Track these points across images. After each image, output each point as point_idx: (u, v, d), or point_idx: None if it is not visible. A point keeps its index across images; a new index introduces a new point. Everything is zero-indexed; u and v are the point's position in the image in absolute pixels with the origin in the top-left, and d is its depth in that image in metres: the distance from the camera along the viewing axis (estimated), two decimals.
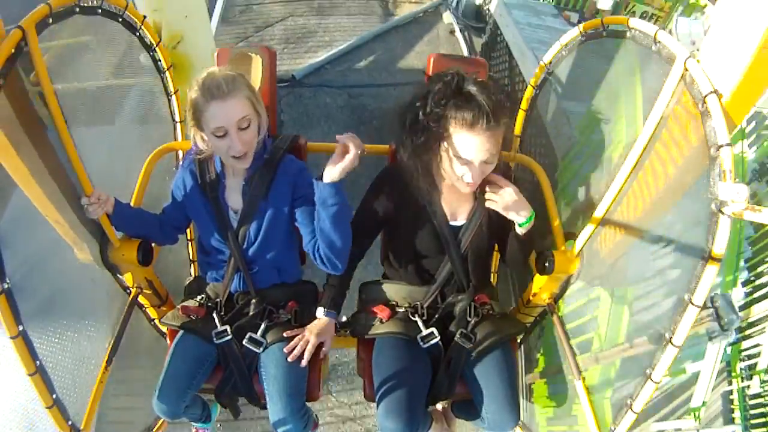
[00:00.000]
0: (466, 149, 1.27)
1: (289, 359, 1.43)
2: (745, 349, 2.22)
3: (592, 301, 1.66)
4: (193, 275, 2.01)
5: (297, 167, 1.51)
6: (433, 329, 1.51)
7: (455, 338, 1.49)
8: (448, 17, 5.16)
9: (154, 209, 1.61)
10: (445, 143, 1.30)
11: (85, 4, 1.30)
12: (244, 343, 1.51)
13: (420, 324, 1.53)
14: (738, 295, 2.23)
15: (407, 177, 1.42)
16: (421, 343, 1.50)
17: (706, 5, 3.63)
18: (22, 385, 1.34)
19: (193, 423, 1.81)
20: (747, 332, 2.23)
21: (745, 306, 2.21)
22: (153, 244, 1.60)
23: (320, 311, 1.53)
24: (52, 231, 1.34)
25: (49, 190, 1.24)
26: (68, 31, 1.31)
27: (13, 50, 1.05)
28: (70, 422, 1.30)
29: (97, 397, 1.43)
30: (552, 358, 1.79)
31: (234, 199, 1.52)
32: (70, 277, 1.55)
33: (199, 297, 1.64)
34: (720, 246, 1.00)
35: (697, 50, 1.18)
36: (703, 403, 2.04)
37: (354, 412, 2.48)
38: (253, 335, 1.51)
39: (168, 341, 1.67)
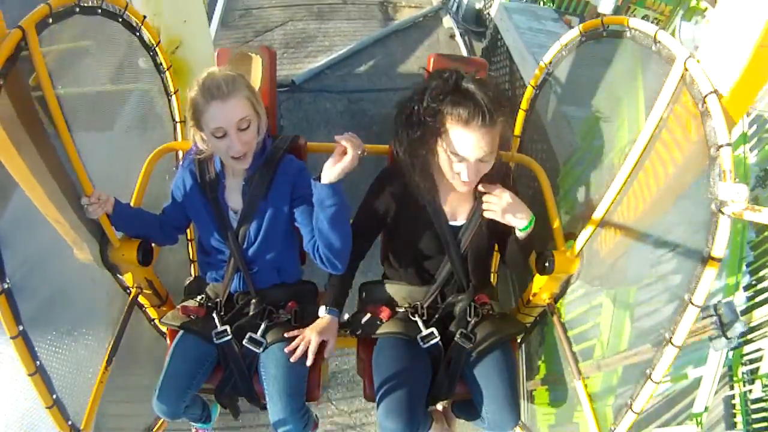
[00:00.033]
0: (461, 146, 1.27)
1: (292, 359, 1.42)
2: (747, 354, 2.20)
3: (594, 308, 1.66)
4: (193, 275, 2.01)
5: (296, 167, 1.51)
6: (433, 329, 1.51)
7: (455, 338, 1.49)
8: (448, 21, 5.14)
9: (154, 209, 1.61)
10: (442, 139, 1.30)
11: (85, 4, 1.30)
12: (244, 343, 1.51)
13: (420, 324, 1.53)
14: (739, 299, 2.22)
15: (407, 177, 1.42)
16: (421, 343, 1.50)
17: (706, 8, 3.62)
18: (22, 385, 1.34)
19: (192, 423, 1.81)
20: (749, 336, 2.22)
21: (747, 310, 2.20)
22: (153, 244, 1.60)
23: (322, 310, 1.52)
24: (52, 231, 1.34)
25: (50, 189, 1.24)
26: (68, 34, 1.31)
27: (13, 50, 1.05)
28: (70, 422, 1.30)
29: (97, 397, 1.43)
30: (553, 365, 1.78)
31: (234, 199, 1.52)
32: (70, 277, 1.55)
33: (199, 297, 1.64)
34: (720, 246, 1.00)
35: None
36: (706, 409, 2.03)
37: (354, 419, 2.46)
38: (253, 335, 1.51)
39: (168, 341, 1.67)
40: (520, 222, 1.37)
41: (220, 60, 1.75)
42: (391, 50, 4.77)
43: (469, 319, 1.52)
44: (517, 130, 1.92)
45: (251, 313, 1.56)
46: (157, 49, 1.73)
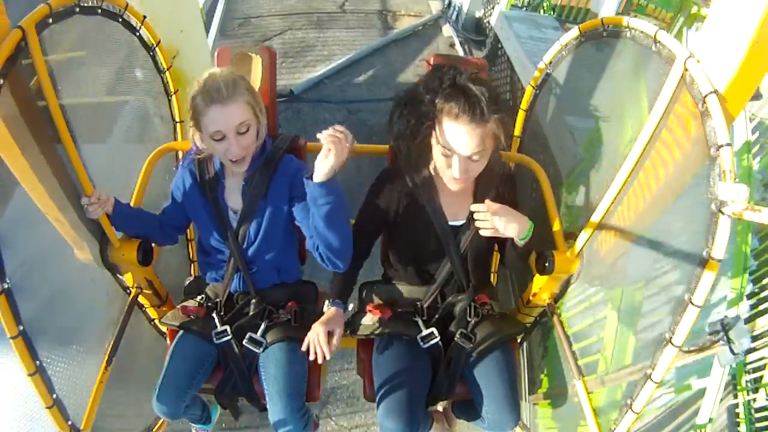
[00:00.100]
0: (450, 140, 1.27)
1: (311, 358, 1.37)
2: (751, 362, 2.19)
3: (598, 321, 1.65)
4: (193, 275, 2.01)
5: (295, 166, 1.51)
6: (433, 329, 1.51)
7: (455, 338, 1.49)
8: (447, 30, 5.11)
9: (154, 209, 1.61)
10: (435, 133, 1.31)
11: (85, 4, 1.30)
12: (244, 343, 1.51)
13: (420, 324, 1.53)
14: (743, 308, 2.22)
15: (407, 176, 1.43)
16: (421, 343, 1.50)
17: (707, 15, 3.61)
18: (22, 385, 1.34)
19: (192, 424, 1.81)
20: (752, 345, 2.21)
21: (750, 319, 2.19)
22: (153, 244, 1.60)
23: (326, 303, 1.51)
24: (52, 231, 1.34)
25: (51, 188, 1.24)
26: (69, 37, 1.31)
27: (13, 50, 1.05)
28: (70, 422, 1.30)
29: (97, 397, 1.43)
30: (556, 379, 1.77)
31: (234, 199, 1.52)
32: (70, 277, 1.55)
33: (198, 297, 1.64)
34: (720, 246, 1.00)
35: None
36: (710, 420, 2.02)
37: None
38: (253, 335, 1.51)
39: (168, 341, 1.67)
40: (519, 233, 1.36)
41: (221, 60, 1.75)
42: (390, 59, 4.73)
43: (469, 319, 1.52)
44: (517, 130, 1.92)
45: (251, 313, 1.56)
46: (157, 49, 1.73)
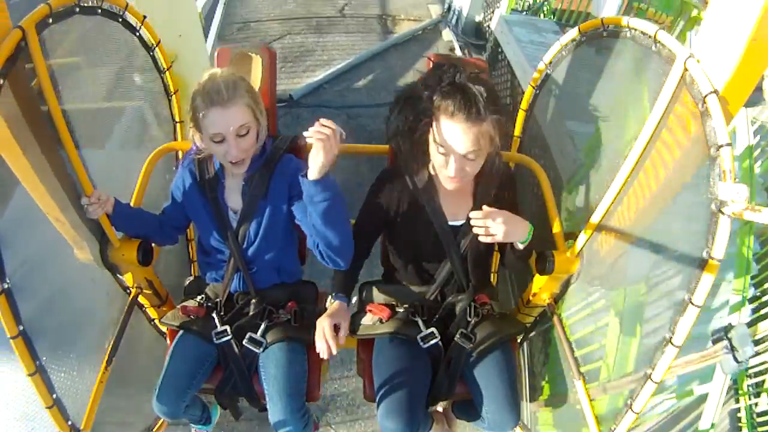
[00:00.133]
0: (445, 137, 1.27)
1: (323, 356, 1.35)
2: (753, 367, 2.18)
3: (600, 329, 1.65)
4: (193, 275, 2.01)
5: (295, 166, 1.51)
6: (433, 329, 1.51)
7: (455, 338, 1.49)
8: (447, 35, 5.08)
9: (154, 209, 1.61)
10: (432, 130, 1.31)
11: (85, 4, 1.30)
12: (244, 343, 1.51)
13: (420, 324, 1.53)
14: (744, 312, 2.21)
15: (407, 176, 1.43)
16: (421, 343, 1.50)
17: None
18: (22, 385, 1.34)
19: (192, 425, 1.81)
20: (754, 349, 2.20)
21: (752, 323, 2.19)
22: (153, 244, 1.60)
23: (329, 298, 1.50)
24: (52, 231, 1.34)
25: (52, 187, 1.25)
26: (69, 38, 1.31)
27: (13, 50, 1.05)
28: (70, 422, 1.30)
29: (97, 397, 1.43)
30: (557, 386, 1.76)
31: (234, 199, 1.52)
32: (70, 277, 1.55)
33: (198, 297, 1.64)
34: (720, 246, 1.00)
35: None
36: (712, 425, 2.01)
37: None
38: (253, 335, 1.51)
39: (168, 341, 1.67)
40: (519, 238, 1.36)
41: (221, 60, 1.75)
42: (390, 64, 4.70)
43: (469, 319, 1.52)
44: (517, 130, 1.92)
45: (251, 313, 1.56)
46: (157, 49, 1.73)
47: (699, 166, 1.10)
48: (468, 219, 1.47)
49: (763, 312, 2.18)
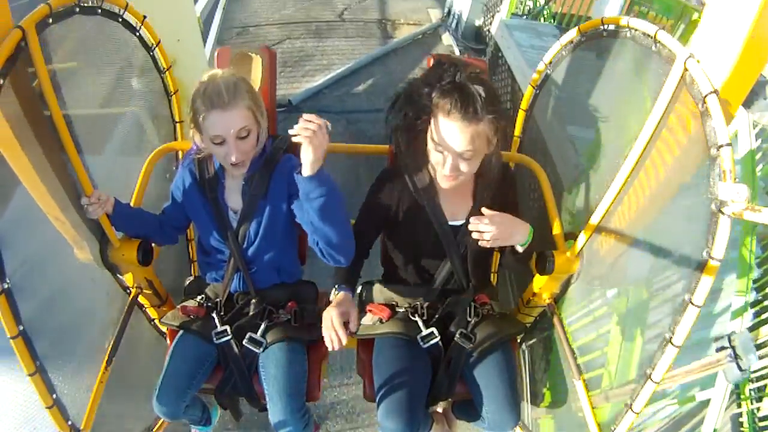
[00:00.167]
0: (441, 135, 1.28)
1: (335, 347, 1.33)
2: (755, 371, 2.17)
3: (601, 336, 1.64)
4: (193, 275, 2.01)
5: (293, 164, 1.51)
6: (433, 329, 1.51)
7: (455, 338, 1.49)
8: (447, 39, 5.07)
9: (154, 209, 1.61)
10: (431, 128, 1.31)
11: (85, 4, 1.30)
12: (243, 343, 1.51)
13: (420, 324, 1.53)
14: (746, 317, 2.20)
15: (407, 176, 1.43)
16: (421, 343, 1.50)
17: None
18: (23, 385, 1.34)
19: (192, 425, 1.81)
20: (756, 353, 2.19)
21: (754, 327, 2.18)
22: (153, 244, 1.60)
23: (333, 291, 1.49)
24: (52, 231, 1.34)
25: (53, 187, 1.25)
26: (69, 38, 1.31)
27: (13, 50, 1.05)
28: (70, 422, 1.30)
29: (97, 397, 1.43)
30: (559, 394, 1.76)
31: (234, 199, 1.52)
32: (70, 277, 1.55)
33: (198, 297, 1.64)
34: (720, 246, 1.00)
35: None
36: (714, 431, 2.01)
37: None
38: (253, 335, 1.51)
39: (168, 341, 1.67)
40: (519, 241, 1.36)
41: (221, 60, 1.75)
42: (390, 69, 4.68)
43: (469, 319, 1.52)
44: (518, 130, 1.92)
45: (251, 313, 1.56)
46: (156, 49, 1.73)
47: (699, 166, 1.10)
48: (468, 219, 1.47)
49: (764, 316, 2.18)
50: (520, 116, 1.90)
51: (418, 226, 1.49)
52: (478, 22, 5.03)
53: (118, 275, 1.62)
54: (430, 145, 1.33)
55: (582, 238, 1.46)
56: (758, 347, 2.13)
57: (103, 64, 1.62)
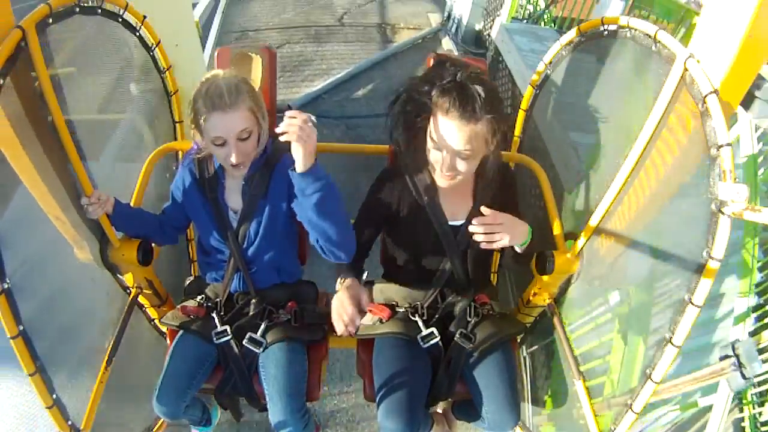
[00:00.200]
0: (440, 133, 1.28)
1: (351, 331, 1.34)
2: (757, 376, 2.18)
3: (603, 343, 1.64)
4: (193, 275, 2.01)
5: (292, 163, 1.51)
6: (433, 329, 1.51)
7: (455, 338, 1.49)
8: (447, 43, 5.04)
9: (154, 209, 1.61)
10: (430, 126, 1.31)
11: (85, 4, 1.30)
12: (243, 343, 1.51)
13: (420, 324, 1.53)
14: (748, 322, 2.20)
15: (407, 176, 1.43)
16: (421, 343, 1.50)
17: None
18: (22, 385, 1.34)
19: (192, 426, 1.81)
20: (759, 358, 2.18)
21: (756, 332, 2.18)
22: (153, 244, 1.60)
23: (338, 281, 1.49)
24: (52, 231, 1.34)
25: (54, 187, 1.25)
26: (69, 38, 1.31)
27: (13, 50, 1.05)
28: (70, 422, 1.30)
29: (97, 397, 1.43)
30: (561, 401, 1.76)
31: (234, 199, 1.52)
32: (70, 277, 1.55)
33: (198, 297, 1.64)
34: (720, 246, 1.00)
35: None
36: None
37: None
38: (253, 335, 1.51)
39: (168, 341, 1.67)
40: (518, 241, 1.36)
41: (221, 60, 1.76)
42: (390, 73, 4.64)
43: (469, 319, 1.52)
44: (518, 130, 1.92)
45: (251, 313, 1.56)
46: (156, 49, 1.73)
47: (699, 165, 1.10)
48: (468, 218, 1.47)
49: (766, 321, 2.17)
50: (520, 116, 1.90)
51: (418, 226, 1.49)
52: (478, 27, 5.01)
53: (118, 275, 1.62)
54: (429, 144, 1.33)
55: (582, 238, 1.45)
56: (760, 352, 2.12)
57: (103, 65, 1.62)
